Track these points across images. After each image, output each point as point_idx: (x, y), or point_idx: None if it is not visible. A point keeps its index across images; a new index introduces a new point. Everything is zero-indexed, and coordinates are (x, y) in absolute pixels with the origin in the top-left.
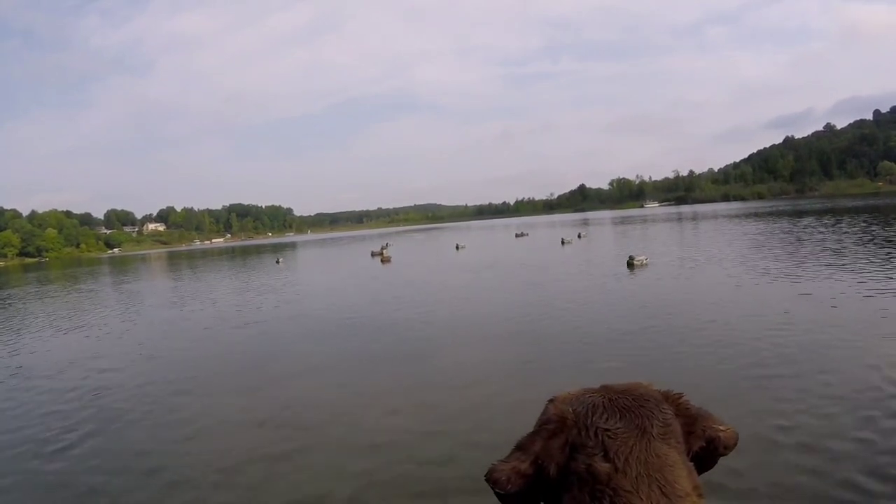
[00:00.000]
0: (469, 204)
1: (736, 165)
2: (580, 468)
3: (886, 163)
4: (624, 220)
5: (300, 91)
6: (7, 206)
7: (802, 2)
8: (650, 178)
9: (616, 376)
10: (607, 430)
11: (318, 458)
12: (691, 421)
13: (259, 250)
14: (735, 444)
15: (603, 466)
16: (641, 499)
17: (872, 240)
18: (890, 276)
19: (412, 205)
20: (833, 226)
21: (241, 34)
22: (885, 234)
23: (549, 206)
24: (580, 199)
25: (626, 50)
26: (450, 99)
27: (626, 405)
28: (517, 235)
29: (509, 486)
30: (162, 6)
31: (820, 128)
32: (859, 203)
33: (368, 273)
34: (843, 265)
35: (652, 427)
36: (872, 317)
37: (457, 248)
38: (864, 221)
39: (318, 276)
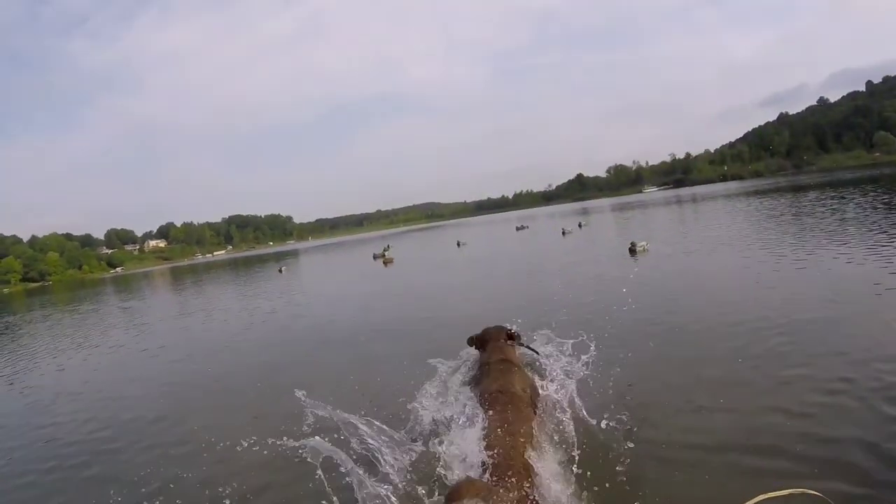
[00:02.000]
0: (468, 200)
1: (732, 145)
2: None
3: (882, 133)
4: (623, 207)
5: (292, 98)
6: (7, 233)
7: None
8: (647, 163)
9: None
10: (484, 339)
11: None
12: (512, 335)
13: (261, 260)
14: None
15: (481, 352)
16: (491, 357)
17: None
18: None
19: (411, 205)
20: (838, 199)
21: (229, 46)
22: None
23: (548, 198)
24: (578, 189)
25: (615, 37)
26: (441, 97)
27: (493, 331)
28: (518, 229)
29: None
30: (148, 24)
31: (814, 102)
32: (858, 175)
33: (372, 276)
34: (852, 237)
35: (499, 337)
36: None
37: (458, 245)
38: (873, 191)
39: (323, 282)
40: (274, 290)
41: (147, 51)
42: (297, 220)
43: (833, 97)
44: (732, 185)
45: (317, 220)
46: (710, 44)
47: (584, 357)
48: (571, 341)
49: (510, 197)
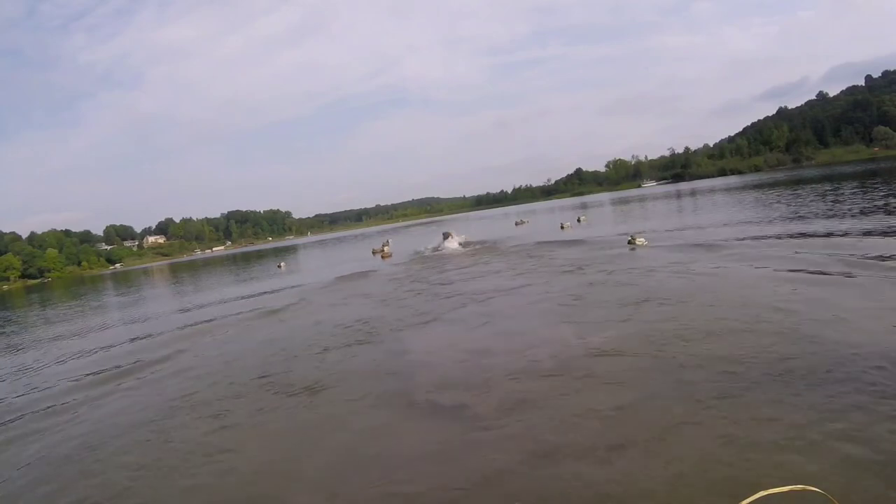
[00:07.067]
0: (467, 195)
1: (731, 139)
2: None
3: (881, 127)
4: (622, 201)
5: (290, 93)
6: (6, 230)
7: None
8: (646, 157)
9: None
10: (445, 233)
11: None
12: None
13: (260, 255)
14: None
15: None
16: (447, 236)
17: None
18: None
19: (410, 200)
20: (838, 191)
21: (229, 41)
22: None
23: (547, 192)
24: (577, 183)
25: (614, 31)
26: (441, 92)
27: (445, 232)
28: (517, 224)
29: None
30: (148, 19)
31: (813, 96)
32: (858, 169)
33: (372, 270)
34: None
35: (449, 233)
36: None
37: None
38: (881, 183)
39: (323, 278)
40: (278, 289)
41: (146, 46)
42: (295, 215)
43: (833, 91)
44: (732, 180)
45: (315, 216)
46: (709, 38)
47: None
48: None
49: (509, 191)
